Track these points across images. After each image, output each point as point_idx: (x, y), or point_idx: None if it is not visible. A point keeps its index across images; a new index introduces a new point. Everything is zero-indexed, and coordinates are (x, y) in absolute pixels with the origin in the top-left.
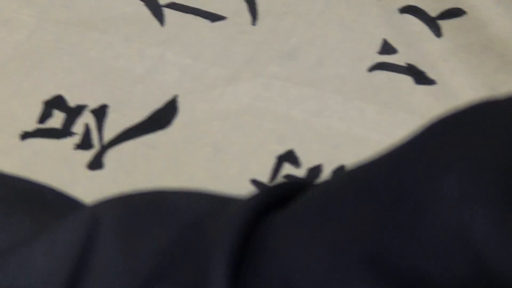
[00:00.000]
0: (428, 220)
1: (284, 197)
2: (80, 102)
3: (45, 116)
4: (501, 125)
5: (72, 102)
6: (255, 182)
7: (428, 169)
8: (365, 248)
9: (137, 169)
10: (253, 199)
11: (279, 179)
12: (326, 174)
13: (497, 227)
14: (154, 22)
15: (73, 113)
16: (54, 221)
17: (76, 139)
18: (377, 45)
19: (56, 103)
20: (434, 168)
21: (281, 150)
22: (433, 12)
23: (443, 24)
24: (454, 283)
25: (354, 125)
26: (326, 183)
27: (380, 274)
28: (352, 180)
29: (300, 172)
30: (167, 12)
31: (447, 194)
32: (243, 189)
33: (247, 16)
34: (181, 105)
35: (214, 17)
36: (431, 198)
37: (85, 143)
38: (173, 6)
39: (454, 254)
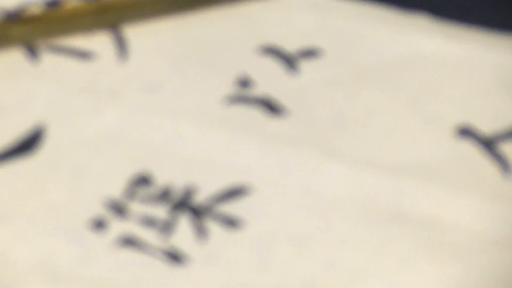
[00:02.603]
0: None
1: None
2: None
3: None
4: None
5: None
6: (109, 200)
7: None
8: None
9: None
10: None
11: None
12: (177, 193)
13: None
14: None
15: None
16: None
17: None
18: (235, 80)
19: None
20: None
21: (137, 173)
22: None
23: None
24: None
25: (208, 151)
26: None
27: None
28: None
29: (153, 191)
30: (42, 51)
31: None
32: (97, 207)
33: (115, 52)
34: (47, 133)
35: (83, 54)
36: None
37: None
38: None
39: None
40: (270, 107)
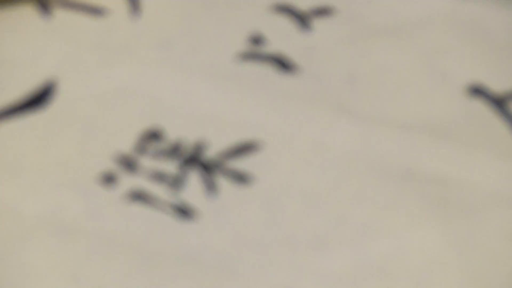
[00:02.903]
0: None
1: None
2: None
3: None
4: None
5: None
6: (119, 155)
7: None
8: None
9: (9, 150)
10: None
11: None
12: (187, 149)
13: None
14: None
15: None
16: None
17: None
18: (247, 37)
19: None
20: None
21: (148, 128)
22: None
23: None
24: None
25: (218, 107)
26: None
27: None
28: None
29: (163, 147)
30: (55, 6)
31: None
32: (107, 162)
33: (127, 8)
34: (59, 88)
35: (96, 10)
36: None
37: None
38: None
39: None
40: (282, 64)
